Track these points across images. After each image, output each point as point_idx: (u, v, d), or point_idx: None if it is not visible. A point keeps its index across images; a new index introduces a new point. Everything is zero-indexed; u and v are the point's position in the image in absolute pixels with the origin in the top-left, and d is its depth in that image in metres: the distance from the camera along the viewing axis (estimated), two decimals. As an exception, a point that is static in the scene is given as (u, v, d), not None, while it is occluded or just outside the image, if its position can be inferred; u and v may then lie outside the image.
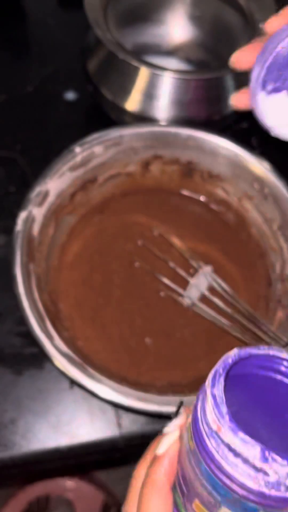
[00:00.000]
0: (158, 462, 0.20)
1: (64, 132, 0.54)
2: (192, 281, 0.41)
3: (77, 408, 0.41)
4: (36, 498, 0.86)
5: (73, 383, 0.41)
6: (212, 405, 0.17)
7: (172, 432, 0.21)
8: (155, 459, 0.21)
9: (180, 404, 0.22)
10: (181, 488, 0.20)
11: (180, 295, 0.42)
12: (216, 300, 0.41)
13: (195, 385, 0.39)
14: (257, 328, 0.39)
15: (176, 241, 0.45)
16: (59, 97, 0.56)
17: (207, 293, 0.41)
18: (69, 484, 0.87)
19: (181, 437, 0.21)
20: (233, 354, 0.18)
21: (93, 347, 0.41)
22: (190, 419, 0.19)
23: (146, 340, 0.41)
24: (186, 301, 0.42)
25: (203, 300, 0.42)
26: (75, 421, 0.41)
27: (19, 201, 0.49)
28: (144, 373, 0.40)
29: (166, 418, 0.41)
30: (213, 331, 0.42)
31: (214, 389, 0.17)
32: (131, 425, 0.41)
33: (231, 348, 0.44)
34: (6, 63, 0.58)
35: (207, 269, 0.42)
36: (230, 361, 0.18)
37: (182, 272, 0.42)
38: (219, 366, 0.18)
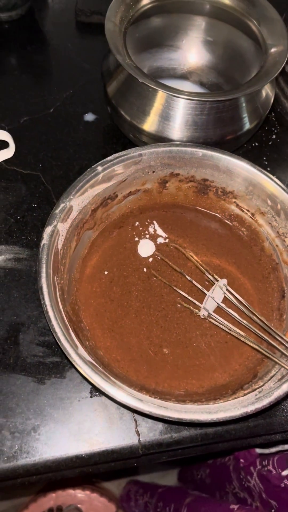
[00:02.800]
0: None
1: (84, 151, 0.56)
2: (208, 293, 0.42)
3: (97, 416, 0.42)
4: (48, 510, 0.86)
5: (96, 390, 0.42)
6: None
7: None
8: None
9: None
10: None
11: (197, 306, 0.43)
12: (232, 312, 0.42)
13: (211, 394, 0.40)
14: (272, 339, 0.40)
15: (191, 255, 0.46)
16: (78, 118, 0.58)
17: (222, 305, 0.43)
18: (81, 496, 0.87)
19: None
20: None
21: (112, 356, 0.42)
22: None
23: (163, 350, 0.43)
24: (202, 313, 0.43)
25: (218, 311, 0.43)
26: (95, 429, 0.42)
27: (41, 216, 0.51)
28: (162, 382, 0.41)
29: (184, 425, 0.42)
30: (228, 342, 0.44)
31: None
32: (148, 433, 0.42)
33: (245, 358, 0.45)
34: (28, 86, 0.61)
35: (222, 281, 0.43)
36: None
37: (198, 285, 0.43)
38: None
